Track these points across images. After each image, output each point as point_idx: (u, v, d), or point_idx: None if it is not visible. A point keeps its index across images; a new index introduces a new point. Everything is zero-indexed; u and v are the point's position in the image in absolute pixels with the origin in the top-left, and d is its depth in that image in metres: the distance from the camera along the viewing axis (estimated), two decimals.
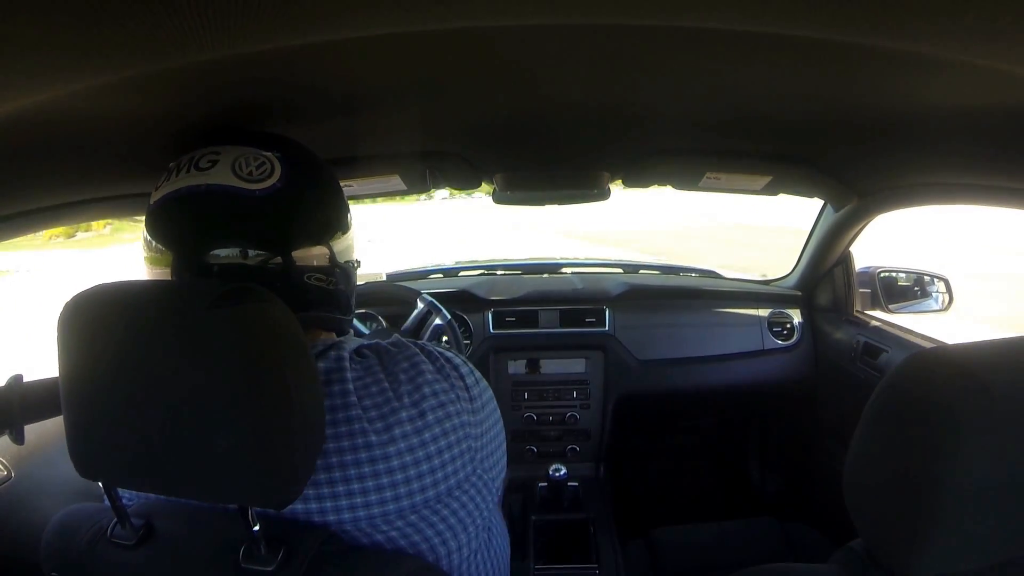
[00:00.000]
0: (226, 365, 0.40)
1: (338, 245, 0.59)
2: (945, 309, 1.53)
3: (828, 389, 1.62)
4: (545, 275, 1.92)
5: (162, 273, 0.53)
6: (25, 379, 0.66)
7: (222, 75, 0.49)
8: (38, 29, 0.32)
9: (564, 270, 1.94)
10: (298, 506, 0.50)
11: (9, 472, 0.86)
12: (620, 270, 1.97)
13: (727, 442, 2.06)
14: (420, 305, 1.36)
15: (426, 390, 0.53)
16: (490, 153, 1.09)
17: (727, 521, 1.50)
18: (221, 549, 0.47)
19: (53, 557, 0.53)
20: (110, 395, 0.43)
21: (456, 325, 1.37)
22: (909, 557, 0.44)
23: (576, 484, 1.51)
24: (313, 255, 0.56)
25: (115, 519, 0.50)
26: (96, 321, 0.44)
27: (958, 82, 0.54)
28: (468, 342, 1.62)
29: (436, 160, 1.09)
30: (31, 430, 0.76)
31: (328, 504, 0.50)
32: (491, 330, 1.64)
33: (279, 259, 0.53)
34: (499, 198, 1.30)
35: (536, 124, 0.87)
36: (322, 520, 0.51)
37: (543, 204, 1.36)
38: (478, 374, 0.60)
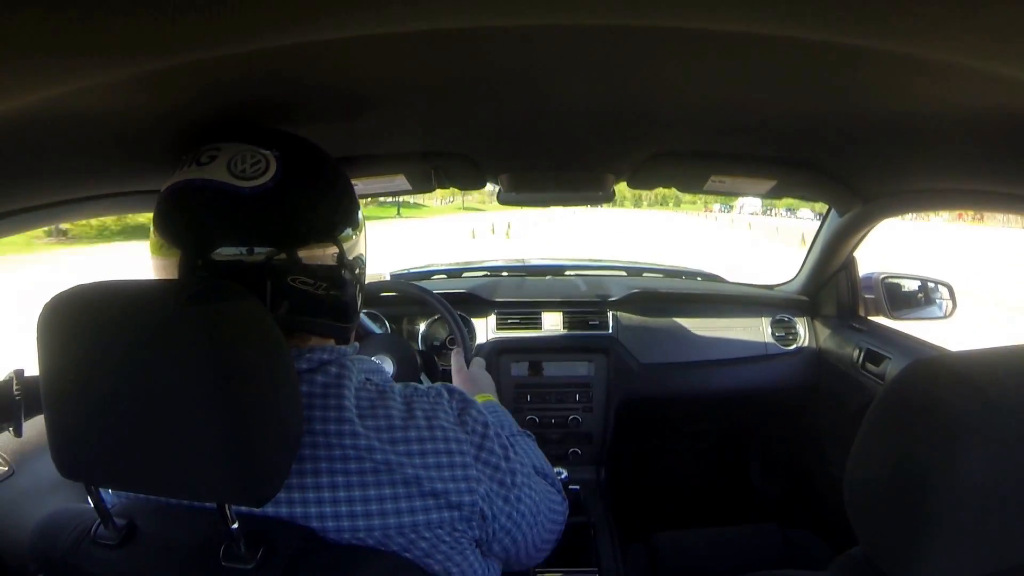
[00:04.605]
0: (199, 363, 0.40)
1: (346, 244, 0.58)
2: (949, 316, 1.52)
3: (830, 395, 1.61)
4: (548, 277, 1.92)
5: (167, 265, 0.53)
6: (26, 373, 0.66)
7: (227, 73, 0.49)
8: (45, 26, 0.32)
9: (568, 272, 1.94)
10: (282, 509, 0.50)
11: (10, 467, 0.87)
12: (624, 273, 1.97)
13: (729, 447, 2.05)
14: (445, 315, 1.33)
15: (438, 434, 0.54)
16: (495, 153, 1.09)
17: (728, 527, 1.49)
18: (202, 548, 0.47)
19: (38, 558, 0.53)
20: (88, 395, 0.43)
21: (467, 333, 1.35)
22: (908, 564, 0.44)
23: (577, 487, 1.49)
24: (318, 254, 0.55)
25: (99, 519, 0.50)
26: (74, 322, 0.44)
27: (964, 87, 0.54)
28: (472, 344, 1.61)
29: (441, 160, 1.09)
30: (32, 424, 0.76)
31: (312, 509, 0.50)
32: (494, 332, 1.64)
33: (283, 256, 0.53)
34: (504, 198, 1.30)
35: (541, 125, 0.87)
36: (305, 525, 0.50)
37: (548, 205, 1.36)
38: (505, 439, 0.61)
